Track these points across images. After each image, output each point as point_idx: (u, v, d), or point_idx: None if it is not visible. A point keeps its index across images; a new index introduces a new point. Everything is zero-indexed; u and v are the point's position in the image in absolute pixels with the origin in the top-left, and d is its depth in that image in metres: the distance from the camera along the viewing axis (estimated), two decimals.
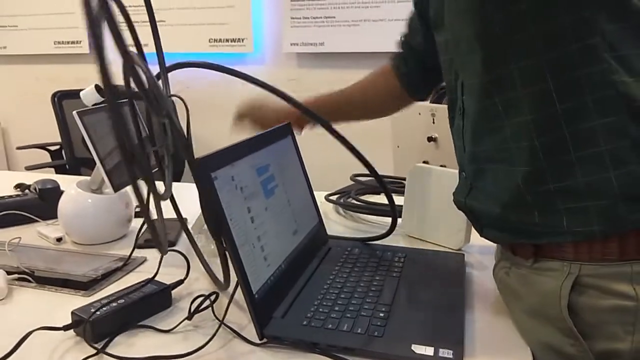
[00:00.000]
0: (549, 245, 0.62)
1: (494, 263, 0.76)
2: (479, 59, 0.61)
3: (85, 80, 2.47)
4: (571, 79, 0.56)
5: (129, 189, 1.01)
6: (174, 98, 0.71)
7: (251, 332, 0.64)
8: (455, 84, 0.70)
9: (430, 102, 1.42)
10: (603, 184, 0.56)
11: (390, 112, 1.08)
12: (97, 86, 0.96)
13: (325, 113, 0.82)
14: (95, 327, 0.63)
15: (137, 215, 1.11)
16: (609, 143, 0.56)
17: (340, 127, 0.80)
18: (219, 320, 0.66)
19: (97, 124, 0.92)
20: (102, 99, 0.97)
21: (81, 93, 0.97)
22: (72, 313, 0.64)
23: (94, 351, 0.61)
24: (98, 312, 0.63)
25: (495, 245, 0.76)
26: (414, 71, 0.95)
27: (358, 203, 1.14)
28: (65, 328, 0.64)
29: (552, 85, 0.56)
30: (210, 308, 0.69)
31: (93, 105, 0.96)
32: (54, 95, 2.22)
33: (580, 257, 0.59)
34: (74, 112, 0.87)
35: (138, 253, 0.93)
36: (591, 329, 0.59)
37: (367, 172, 1.34)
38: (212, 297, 0.69)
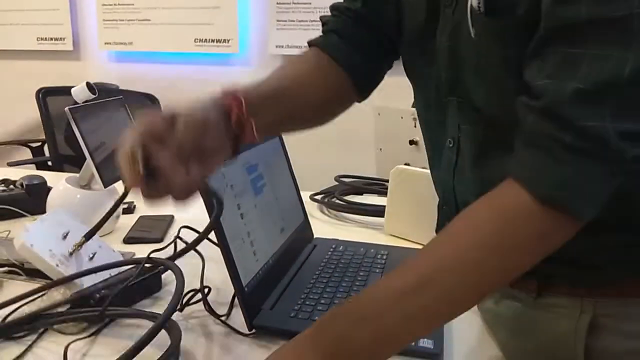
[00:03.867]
0: (560, 283, 0.58)
1: None
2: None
3: (68, 77, 2.47)
4: None
5: (117, 185, 1.03)
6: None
7: (239, 323, 0.66)
8: (447, 108, 0.61)
9: (412, 107, 1.46)
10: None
11: (329, 119, 0.73)
12: (88, 83, 0.98)
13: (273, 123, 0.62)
14: None
15: (124, 211, 1.13)
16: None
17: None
18: (209, 312, 0.69)
19: (87, 121, 0.94)
20: (93, 96, 0.98)
21: (72, 90, 0.99)
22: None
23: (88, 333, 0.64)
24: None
25: None
26: (367, 60, 0.70)
27: (342, 203, 1.17)
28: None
29: None
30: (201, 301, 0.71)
31: (84, 102, 0.98)
32: (38, 92, 2.21)
33: (594, 293, 0.55)
34: (66, 109, 0.89)
35: (126, 249, 0.95)
36: None
37: (351, 173, 1.38)
38: (205, 290, 0.72)
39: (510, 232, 0.45)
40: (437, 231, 0.72)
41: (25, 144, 2.66)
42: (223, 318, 0.68)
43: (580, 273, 0.55)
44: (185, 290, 0.72)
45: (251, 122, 0.54)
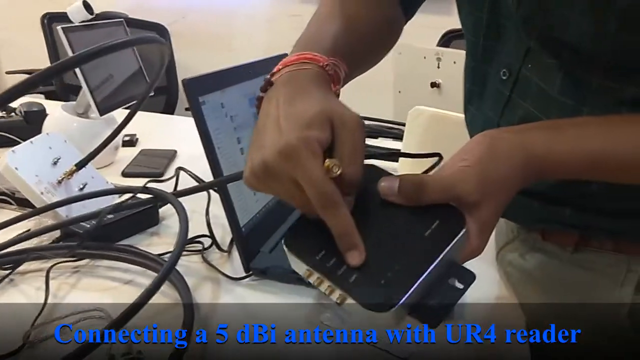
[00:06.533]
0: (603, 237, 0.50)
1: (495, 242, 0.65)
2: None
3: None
4: None
5: (115, 114, 0.97)
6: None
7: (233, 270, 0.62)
8: (505, 32, 0.51)
9: (437, 46, 1.36)
10: None
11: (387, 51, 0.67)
12: (85, 2, 0.90)
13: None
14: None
15: (125, 144, 1.07)
16: None
17: None
18: (205, 261, 0.64)
19: (84, 43, 0.87)
20: (91, 17, 0.91)
21: (68, 9, 0.91)
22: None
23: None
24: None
25: None
26: None
27: None
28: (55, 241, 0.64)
29: None
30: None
31: (80, 22, 0.90)
32: (43, 17, 2.11)
33: None
34: (59, 27, 0.82)
35: (124, 182, 0.90)
36: None
37: (365, 115, 1.30)
38: (205, 243, 0.67)
39: None
40: None
41: (31, 73, 2.60)
42: (217, 265, 0.63)
43: (629, 225, 0.48)
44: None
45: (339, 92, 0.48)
